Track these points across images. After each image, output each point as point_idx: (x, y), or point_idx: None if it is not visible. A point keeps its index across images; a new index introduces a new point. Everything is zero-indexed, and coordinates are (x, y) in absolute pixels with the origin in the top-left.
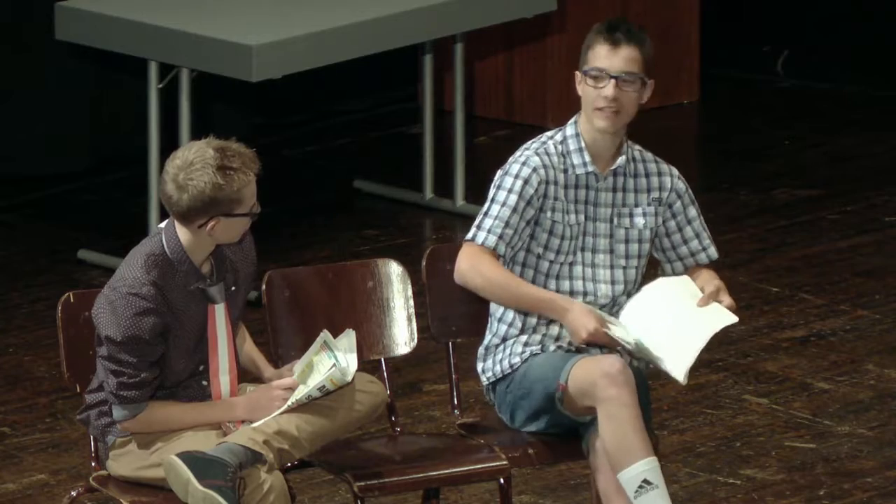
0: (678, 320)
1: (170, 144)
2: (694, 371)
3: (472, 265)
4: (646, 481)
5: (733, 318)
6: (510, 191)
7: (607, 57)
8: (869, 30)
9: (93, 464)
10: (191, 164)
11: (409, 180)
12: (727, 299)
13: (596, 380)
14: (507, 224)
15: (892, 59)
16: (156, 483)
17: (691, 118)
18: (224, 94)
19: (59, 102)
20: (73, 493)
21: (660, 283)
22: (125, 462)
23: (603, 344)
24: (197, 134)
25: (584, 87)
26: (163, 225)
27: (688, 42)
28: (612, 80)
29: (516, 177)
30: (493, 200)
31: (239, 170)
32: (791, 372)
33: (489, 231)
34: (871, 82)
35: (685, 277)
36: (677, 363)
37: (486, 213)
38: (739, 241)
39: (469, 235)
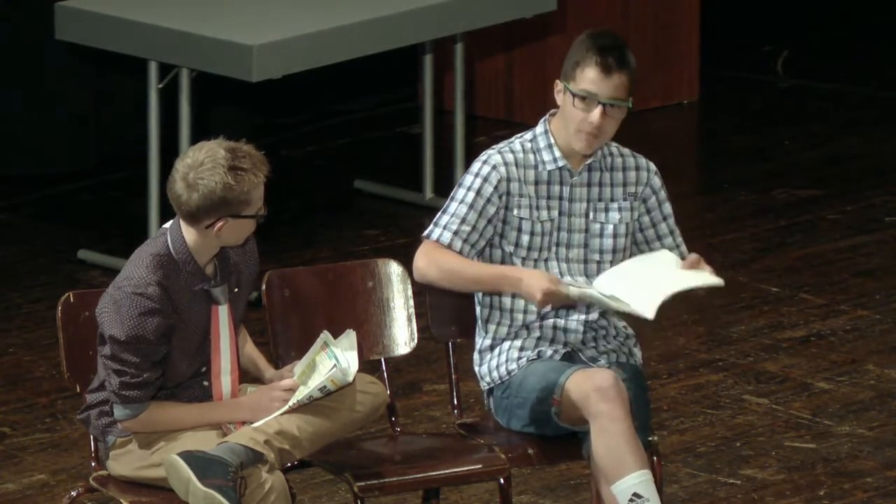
0: (657, 273)
1: (170, 144)
2: (694, 371)
3: (429, 259)
4: (636, 494)
5: (719, 281)
6: (469, 188)
7: (597, 82)
8: (869, 30)
9: (93, 464)
10: (201, 164)
11: (409, 180)
12: (708, 267)
13: (588, 394)
14: (463, 220)
15: (892, 59)
16: (156, 483)
17: (691, 118)
18: (224, 94)
19: (59, 102)
20: (73, 493)
21: (640, 256)
22: (125, 462)
23: (561, 302)
24: (197, 134)
25: (566, 103)
26: (168, 225)
27: (688, 42)
28: (600, 107)
29: (476, 175)
30: (452, 198)
31: (249, 171)
32: (791, 372)
33: (445, 227)
34: (871, 82)
35: (664, 250)
36: (648, 301)
37: (444, 211)
38: (739, 241)
39: (425, 232)
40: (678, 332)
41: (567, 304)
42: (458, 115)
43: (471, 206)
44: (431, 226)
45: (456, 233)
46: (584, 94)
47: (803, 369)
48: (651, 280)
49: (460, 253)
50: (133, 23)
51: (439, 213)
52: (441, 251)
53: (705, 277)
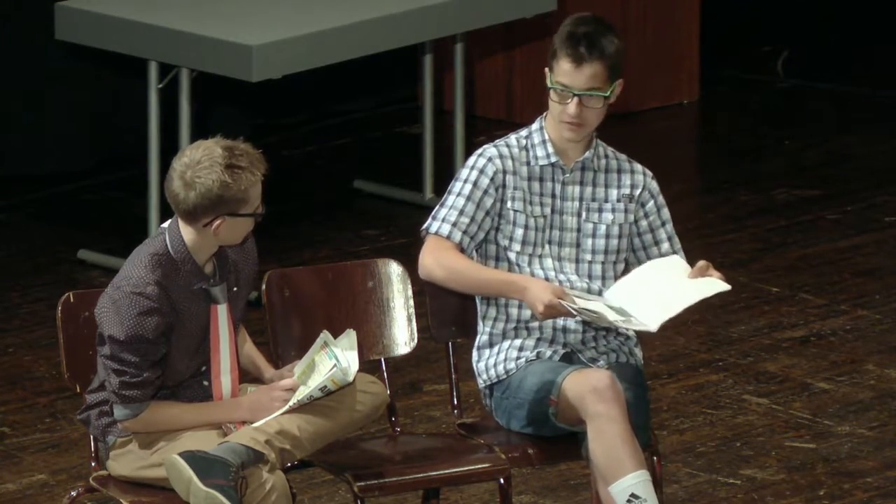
0: (665, 286)
1: (170, 144)
2: (694, 371)
3: (435, 258)
4: (633, 495)
5: (726, 286)
6: (465, 181)
7: (570, 74)
8: (869, 30)
9: (93, 464)
10: (198, 163)
11: (409, 180)
12: (717, 273)
13: (584, 395)
14: (461, 212)
15: (892, 58)
16: (156, 483)
17: (691, 118)
18: (224, 94)
19: (59, 102)
20: (73, 493)
21: (650, 263)
22: (126, 462)
23: (562, 315)
24: (197, 134)
25: (550, 92)
26: (166, 225)
27: (688, 42)
28: (576, 99)
29: (472, 168)
30: (449, 192)
31: (246, 169)
32: (791, 372)
33: (443, 220)
34: (871, 82)
35: (675, 256)
36: (654, 314)
37: (442, 204)
38: (739, 241)
39: (425, 225)
40: (678, 331)
41: (564, 315)
42: (458, 115)
43: (468, 198)
44: (430, 219)
45: (455, 224)
46: (559, 87)
47: (803, 369)
48: (660, 291)
49: (460, 244)
50: (133, 23)
51: (437, 207)
52: (447, 251)
53: (712, 285)
